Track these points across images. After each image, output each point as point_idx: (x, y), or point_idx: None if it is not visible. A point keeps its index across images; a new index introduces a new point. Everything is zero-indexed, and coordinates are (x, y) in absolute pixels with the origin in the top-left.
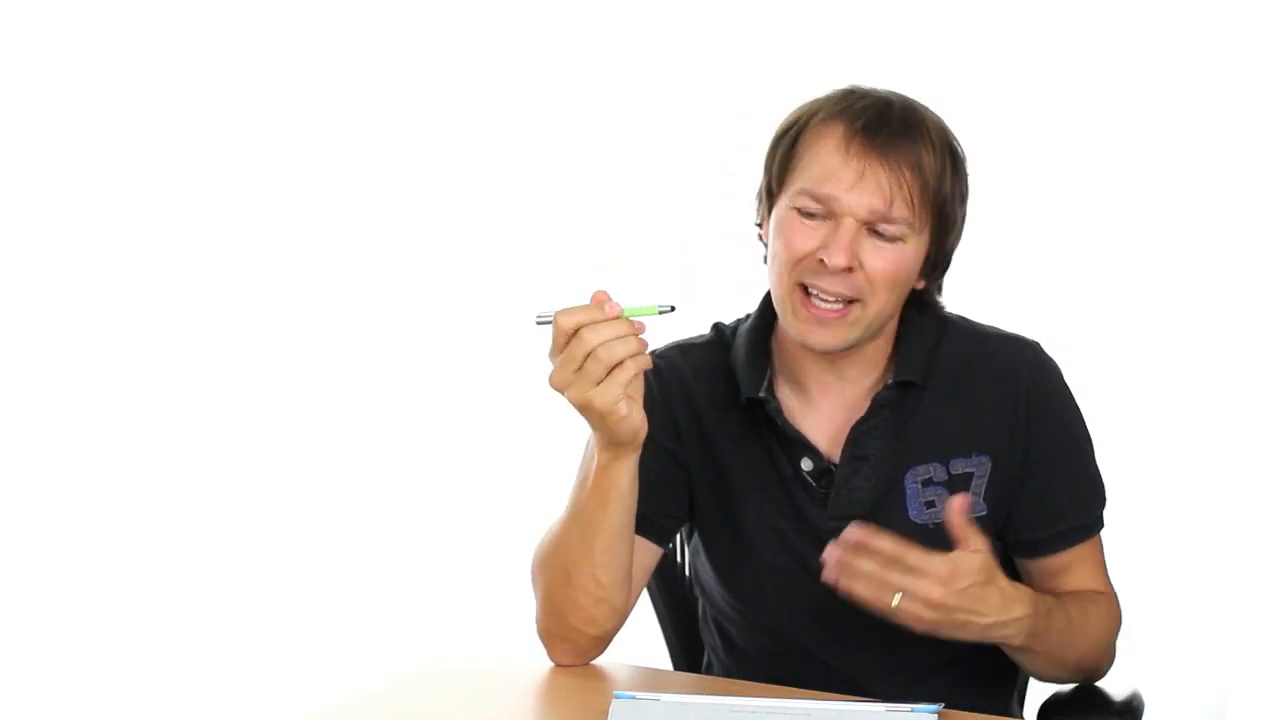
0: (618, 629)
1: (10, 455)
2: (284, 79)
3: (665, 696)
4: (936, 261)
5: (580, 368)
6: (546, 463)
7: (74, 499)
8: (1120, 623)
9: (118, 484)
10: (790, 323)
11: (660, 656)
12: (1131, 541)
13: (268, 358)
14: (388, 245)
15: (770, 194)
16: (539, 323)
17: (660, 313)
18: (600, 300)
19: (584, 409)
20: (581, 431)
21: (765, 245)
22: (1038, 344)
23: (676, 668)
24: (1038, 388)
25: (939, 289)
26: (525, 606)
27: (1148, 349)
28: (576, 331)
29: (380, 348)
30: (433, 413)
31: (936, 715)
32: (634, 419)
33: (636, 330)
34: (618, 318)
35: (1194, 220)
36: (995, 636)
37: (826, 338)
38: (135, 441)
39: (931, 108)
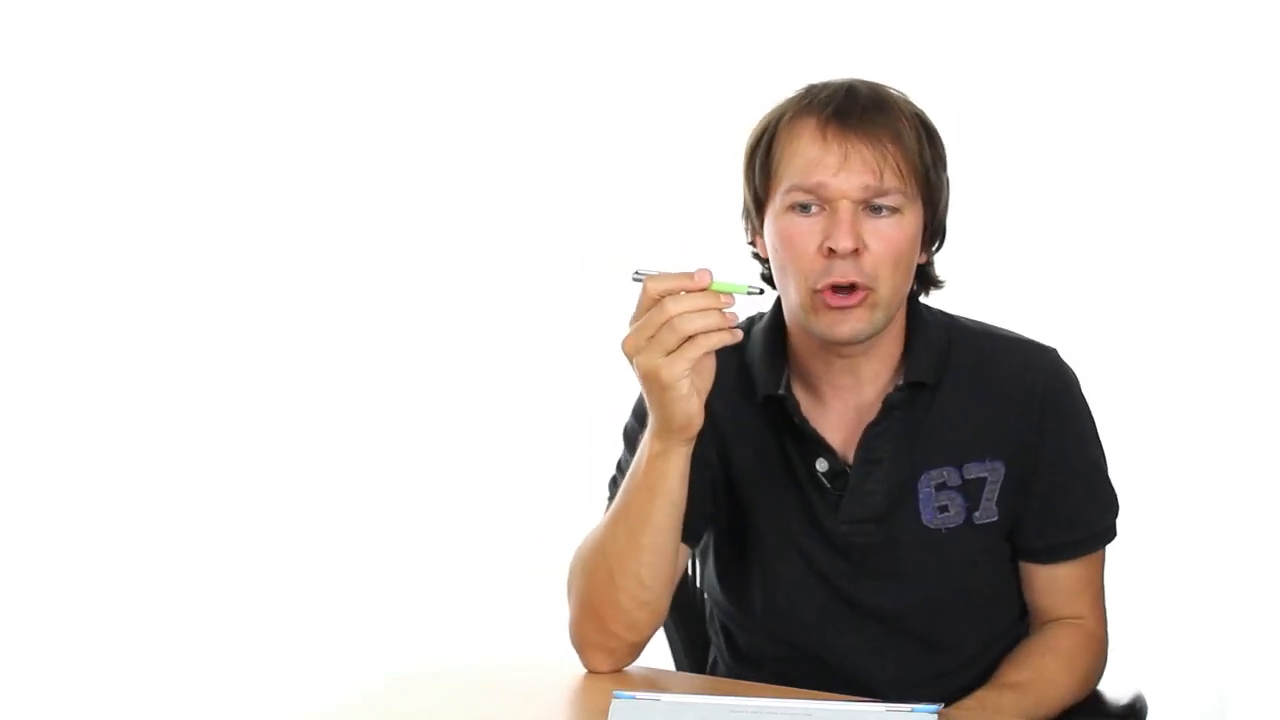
0: (654, 634)
1: (11, 456)
2: (284, 79)
3: (665, 696)
4: (934, 231)
5: (655, 335)
6: (547, 463)
7: (74, 499)
8: (1100, 658)
9: (117, 484)
10: (813, 323)
11: (661, 657)
12: (1133, 542)
13: (268, 358)
14: (388, 245)
15: (759, 206)
16: (635, 279)
17: (749, 293)
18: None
19: (648, 379)
20: (583, 432)
21: (761, 261)
22: (1054, 350)
23: (679, 666)
24: (1053, 395)
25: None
26: (525, 606)
27: (1147, 350)
28: (660, 299)
29: (381, 347)
30: (433, 413)
31: (936, 715)
32: (691, 404)
33: (722, 304)
34: (704, 290)
35: (1199, 222)
36: None
37: (851, 326)
38: (135, 442)
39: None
